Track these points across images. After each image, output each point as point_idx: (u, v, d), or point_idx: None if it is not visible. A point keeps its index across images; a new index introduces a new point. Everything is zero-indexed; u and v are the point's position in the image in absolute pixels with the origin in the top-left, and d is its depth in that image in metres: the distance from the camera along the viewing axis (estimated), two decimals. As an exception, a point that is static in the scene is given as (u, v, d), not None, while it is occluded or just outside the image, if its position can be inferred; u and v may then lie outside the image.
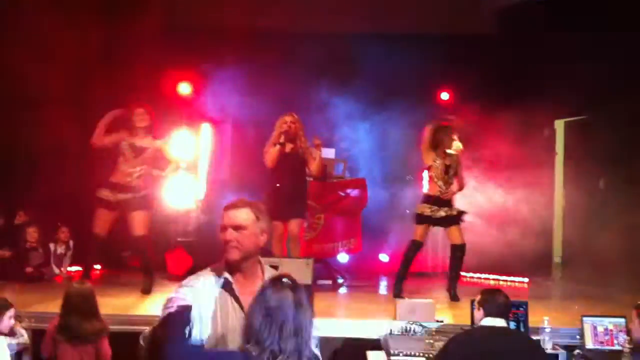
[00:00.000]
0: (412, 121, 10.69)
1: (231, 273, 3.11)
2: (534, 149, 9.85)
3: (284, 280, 2.70)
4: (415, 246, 7.76)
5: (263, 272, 3.16)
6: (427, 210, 7.70)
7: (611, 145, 8.95)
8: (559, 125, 10.21)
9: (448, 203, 7.74)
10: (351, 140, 10.66)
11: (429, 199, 7.76)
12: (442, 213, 7.69)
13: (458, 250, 7.73)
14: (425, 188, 7.96)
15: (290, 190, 7.67)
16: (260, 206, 3.18)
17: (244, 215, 3.08)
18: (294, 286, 2.70)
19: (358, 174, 10.42)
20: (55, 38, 8.84)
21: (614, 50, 8.67)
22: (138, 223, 7.52)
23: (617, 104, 8.80)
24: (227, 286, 3.09)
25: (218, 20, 10.30)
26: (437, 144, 7.80)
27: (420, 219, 7.75)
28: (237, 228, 3.06)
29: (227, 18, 10.23)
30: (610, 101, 8.92)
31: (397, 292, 7.56)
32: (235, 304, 3.05)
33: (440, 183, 7.73)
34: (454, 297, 7.50)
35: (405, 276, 7.76)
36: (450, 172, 7.76)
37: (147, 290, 7.48)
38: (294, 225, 7.71)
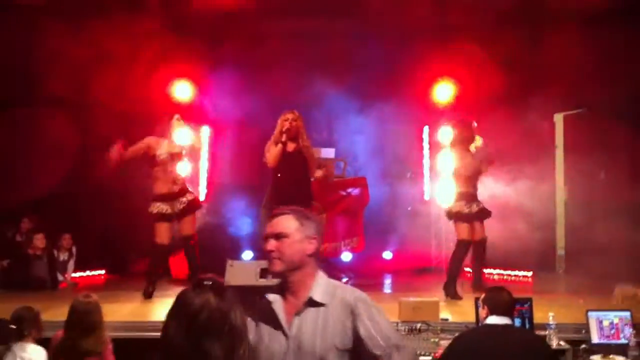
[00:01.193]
0: (411, 118, 10.73)
1: (282, 289, 2.83)
2: (534, 143, 9.85)
3: (205, 282, 2.16)
4: (465, 246, 7.82)
5: (311, 286, 2.80)
6: (464, 208, 7.76)
7: (611, 137, 8.95)
8: (558, 118, 10.20)
9: (476, 198, 7.92)
10: (351, 139, 10.66)
11: (462, 197, 7.80)
12: (475, 207, 7.80)
13: (482, 245, 7.88)
14: (456, 187, 7.92)
15: (294, 190, 7.36)
16: (307, 212, 2.92)
17: (285, 223, 2.82)
18: (218, 289, 2.16)
19: (359, 173, 10.40)
20: (53, 37, 8.85)
21: (612, 42, 8.66)
22: (190, 224, 7.85)
23: (617, 95, 8.80)
24: (266, 306, 2.81)
25: (214, 20, 10.30)
26: (463, 141, 7.84)
27: (459, 217, 7.80)
28: (278, 236, 2.80)
29: (224, 18, 10.24)
30: (609, 93, 8.90)
31: (452, 292, 7.58)
32: (277, 326, 2.76)
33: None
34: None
35: (459, 276, 7.82)
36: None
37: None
38: None
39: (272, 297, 2.82)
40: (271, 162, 7.42)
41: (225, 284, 5.86)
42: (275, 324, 2.76)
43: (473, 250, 7.93)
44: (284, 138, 7.33)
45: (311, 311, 2.75)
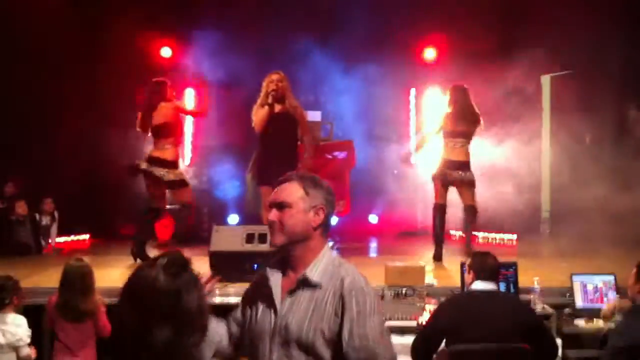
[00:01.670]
0: (397, 80, 10.66)
1: (283, 263, 2.61)
2: (520, 105, 9.82)
3: (159, 260, 1.95)
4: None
5: (310, 263, 2.54)
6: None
7: (598, 100, 8.94)
8: (545, 80, 10.16)
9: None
10: (337, 102, 10.60)
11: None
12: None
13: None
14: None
15: (281, 153, 7.17)
16: (315, 179, 2.62)
17: (289, 190, 2.56)
18: (173, 267, 1.94)
19: (345, 136, 10.36)
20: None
21: (602, 6, 8.59)
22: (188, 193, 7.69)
23: (604, 57, 8.76)
24: (263, 279, 2.60)
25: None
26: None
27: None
28: (281, 206, 2.54)
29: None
30: (596, 55, 8.86)
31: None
32: (270, 303, 2.55)
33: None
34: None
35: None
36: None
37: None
38: None
39: (270, 270, 2.60)
40: (258, 125, 7.21)
41: (211, 250, 5.85)
42: (269, 300, 2.55)
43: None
44: (270, 100, 7.12)
45: (306, 291, 2.49)
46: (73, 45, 9.50)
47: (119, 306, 1.91)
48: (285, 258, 2.59)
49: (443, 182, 7.69)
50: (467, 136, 7.72)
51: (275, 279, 2.57)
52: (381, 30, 9.91)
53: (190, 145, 10.72)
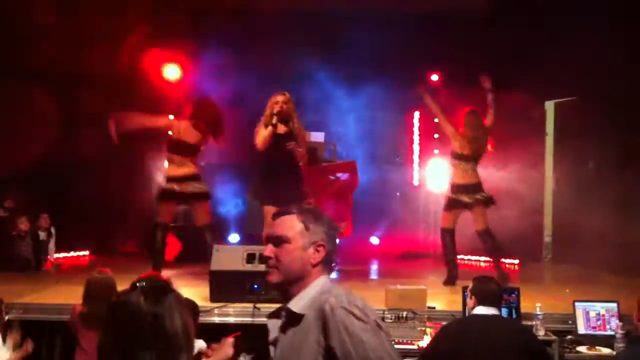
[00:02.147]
0: (402, 103, 10.69)
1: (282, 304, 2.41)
2: (525, 130, 9.83)
3: (138, 284, 1.91)
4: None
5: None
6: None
7: (601, 127, 8.93)
8: (550, 106, 10.17)
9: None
10: (341, 123, 10.61)
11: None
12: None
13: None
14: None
15: (284, 173, 7.12)
16: (316, 212, 2.42)
17: (287, 224, 2.36)
18: (153, 291, 1.91)
19: (349, 157, 10.36)
20: (44, 17, 8.75)
21: (604, 32, 8.60)
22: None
23: (608, 85, 8.77)
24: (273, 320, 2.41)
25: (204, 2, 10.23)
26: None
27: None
28: (278, 241, 2.35)
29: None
30: (600, 82, 8.87)
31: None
32: (272, 348, 2.37)
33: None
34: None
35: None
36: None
37: None
38: None
39: (269, 320, 2.41)
40: (260, 146, 7.11)
41: (212, 269, 5.84)
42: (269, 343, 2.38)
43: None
44: (274, 120, 7.02)
45: (294, 327, 2.27)
46: (75, 63, 9.52)
47: (103, 334, 1.88)
48: (283, 297, 2.37)
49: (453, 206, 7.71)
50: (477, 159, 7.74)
51: (273, 324, 2.39)
52: (385, 52, 9.94)
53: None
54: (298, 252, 2.32)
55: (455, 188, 7.69)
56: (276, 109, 7.05)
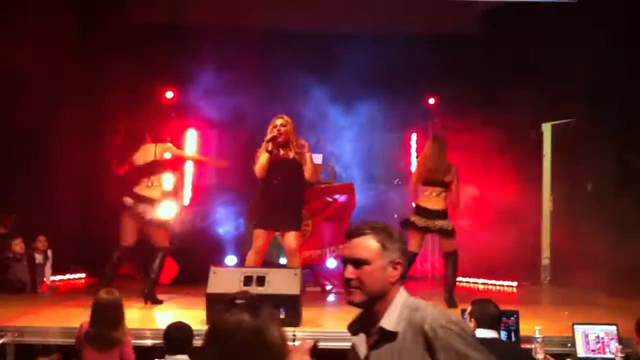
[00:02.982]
0: (399, 125, 10.71)
1: (364, 319, 2.50)
2: (522, 152, 9.84)
3: (238, 300, 2.23)
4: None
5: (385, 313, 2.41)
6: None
7: (599, 148, 8.95)
8: (547, 128, 10.19)
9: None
10: (339, 145, 10.61)
11: None
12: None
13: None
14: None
15: (283, 198, 6.97)
16: (388, 230, 2.47)
17: (365, 246, 2.42)
18: (252, 306, 2.11)
19: (346, 179, 10.34)
20: (36, 40, 8.75)
21: (602, 52, 8.65)
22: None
23: (605, 106, 8.79)
24: (353, 340, 2.52)
25: (200, 20, 10.26)
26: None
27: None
28: (358, 263, 2.41)
29: (209, 18, 10.20)
30: (598, 104, 8.90)
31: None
32: None
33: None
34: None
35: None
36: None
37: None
38: (291, 238, 6.99)
39: (355, 337, 2.49)
40: (258, 172, 7.03)
41: (208, 292, 5.84)
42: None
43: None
44: (269, 147, 6.92)
45: (387, 344, 2.35)
46: (72, 84, 9.55)
47: (209, 348, 2.03)
48: (365, 315, 2.47)
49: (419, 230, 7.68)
50: (443, 185, 7.70)
51: (360, 340, 2.48)
52: (383, 73, 9.97)
53: (190, 185, 10.69)
54: (378, 272, 2.40)
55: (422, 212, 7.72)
56: (274, 133, 6.94)
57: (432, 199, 7.68)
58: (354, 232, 2.46)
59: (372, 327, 2.42)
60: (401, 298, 2.41)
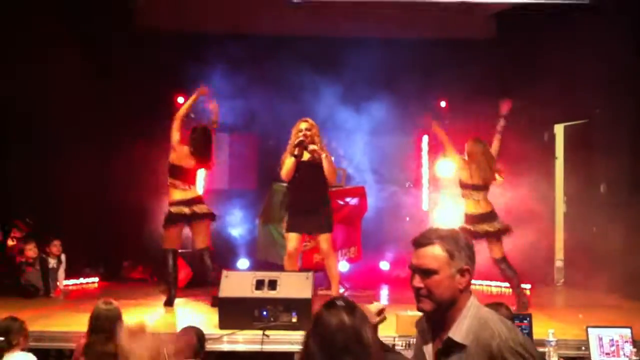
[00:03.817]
0: (410, 128, 10.68)
1: (432, 325, 2.57)
2: (534, 154, 9.78)
3: (338, 302, 2.27)
4: None
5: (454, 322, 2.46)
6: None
7: (612, 150, 8.89)
8: (559, 129, 10.13)
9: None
10: (350, 148, 10.60)
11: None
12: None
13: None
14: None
15: (311, 201, 7.10)
16: (458, 237, 2.51)
17: (432, 255, 2.45)
18: (350, 308, 2.25)
19: (357, 182, 10.32)
20: (49, 54, 8.84)
21: (615, 53, 8.60)
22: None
23: (619, 108, 8.75)
24: (418, 346, 2.62)
25: (209, 27, 10.29)
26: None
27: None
28: (426, 273, 2.45)
29: (220, 25, 10.23)
30: (611, 105, 8.85)
31: None
32: None
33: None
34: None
35: None
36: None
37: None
38: (324, 241, 7.14)
39: (423, 342, 2.56)
40: (285, 177, 7.18)
41: (220, 296, 5.84)
42: None
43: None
44: (296, 151, 7.04)
45: (455, 354, 2.41)
46: (85, 91, 9.59)
47: (311, 342, 2.23)
48: (433, 322, 2.53)
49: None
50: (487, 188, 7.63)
51: (428, 348, 2.54)
52: (395, 77, 9.96)
53: (203, 189, 10.70)
54: (447, 281, 2.44)
55: (470, 219, 7.60)
56: (299, 137, 7.06)
57: (480, 204, 7.64)
58: (421, 242, 2.49)
59: (441, 331, 2.48)
60: (472, 308, 2.45)
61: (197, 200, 7.71)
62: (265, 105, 9.92)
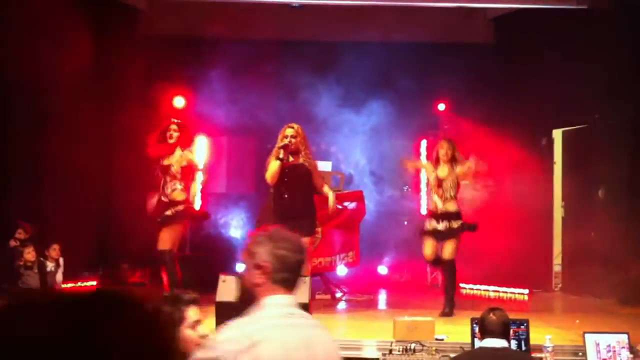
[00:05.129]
0: (409, 132, 10.70)
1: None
2: (532, 159, 9.80)
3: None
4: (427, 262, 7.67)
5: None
6: (427, 224, 7.64)
7: (611, 155, 8.90)
8: (557, 134, 10.14)
9: (449, 216, 7.59)
10: (348, 153, 10.61)
11: (429, 213, 7.72)
12: (439, 227, 7.58)
13: (447, 266, 7.59)
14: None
15: (294, 205, 7.07)
16: (255, 236, 2.69)
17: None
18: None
19: (356, 186, 10.33)
20: (47, 55, 8.82)
21: (614, 58, 8.62)
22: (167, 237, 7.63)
23: (617, 113, 8.76)
24: None
25: (209, 30, 10.30)
26: (435, 159, 7.72)
27: (422, 233, 7.72)
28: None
29: (219, 28, 10.24)
30: (609, 110, 8.87)
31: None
32: None
33: (435, 197, 7.67)
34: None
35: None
36: (446, 186, 7.59)
37: None
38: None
39: None
40: (269, 179, 7.13)
41: (217, 300, 5.82)
42: None
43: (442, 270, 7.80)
44: (281, 155, 7.02)
45: None
46: (87, 95, 9.60)
47: None
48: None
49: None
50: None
51: None
52: (394, 81, 9.97)
53: (200, 193, 10.69)
54: (247, 273, 2.64)
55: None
56: (284, 142, 7.06)
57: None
58: None
59: None
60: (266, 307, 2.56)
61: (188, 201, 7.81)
62: (264, 109, 9.93)
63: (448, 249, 7.50)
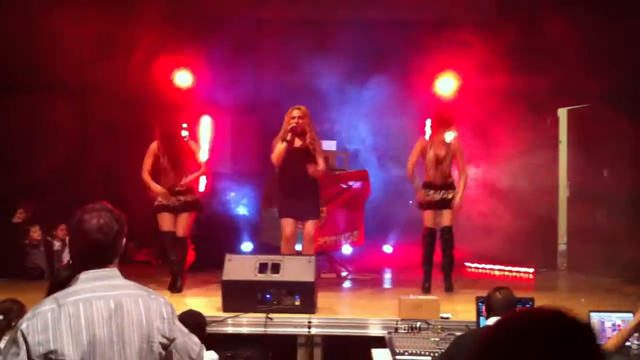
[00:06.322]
0: (413, 110, 10.64)
1: None
2: (537, 138, 9.77)
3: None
4: (427, 233, 7.72)
5: None
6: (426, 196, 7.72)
7: (615, 134, 8.88)
8: (562, 113, 10.10)
9: (446, 186, 7.74)
10: (353, 131, 10.58)
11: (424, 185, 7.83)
12: (436, 196, 7.68)
13: (446, 232, 7.68)
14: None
15: (301, 187, 7.22)
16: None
17: None
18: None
19: (360, 164, 10.32)
20: (55, 27, 8.78)
21: (619, 36, 8.56)
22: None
23: (622, 91, 8.71)
24: None
25: (214, 8, 10.24)
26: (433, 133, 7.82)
27: (420, 205, 7.77)
28: None
29: (224, 6, 10.18)
30: (614, 89, 8.82)
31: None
32: None
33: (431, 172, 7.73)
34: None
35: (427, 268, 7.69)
36: (444, 164, 7.77)
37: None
38: (310, 226, 7.27)
39: None
40: (275, 161, 7.22)
41: (223, 279, 5.84)
42: None
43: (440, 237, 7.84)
44: (288, 137, 7.10)
45: None
46: (97, 79, 9.56)
47: None
48: None
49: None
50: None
51: None
52: (398, 59, 9.92)
53: (206, 172, 10.69)
54: None
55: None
56: (291, 124, 7.13)
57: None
58: None
59: None
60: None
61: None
62: (269, 89, 9.89)
63: (447, 217, 7.65)
